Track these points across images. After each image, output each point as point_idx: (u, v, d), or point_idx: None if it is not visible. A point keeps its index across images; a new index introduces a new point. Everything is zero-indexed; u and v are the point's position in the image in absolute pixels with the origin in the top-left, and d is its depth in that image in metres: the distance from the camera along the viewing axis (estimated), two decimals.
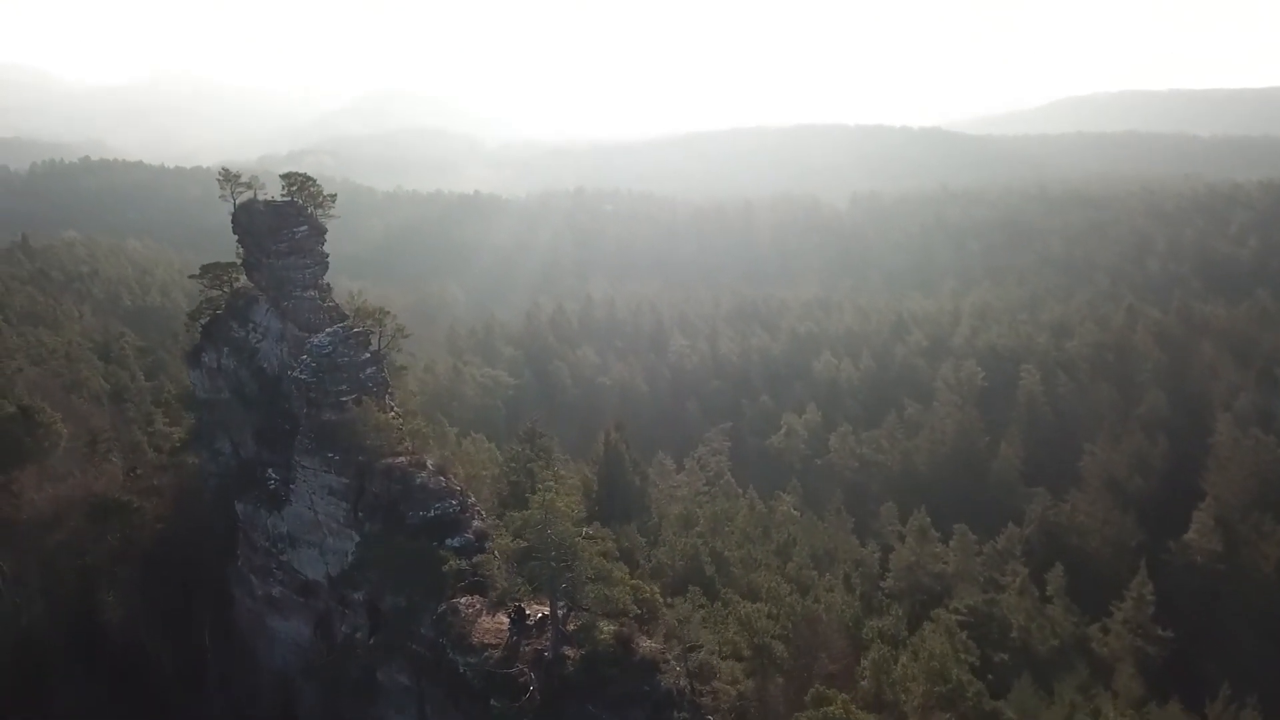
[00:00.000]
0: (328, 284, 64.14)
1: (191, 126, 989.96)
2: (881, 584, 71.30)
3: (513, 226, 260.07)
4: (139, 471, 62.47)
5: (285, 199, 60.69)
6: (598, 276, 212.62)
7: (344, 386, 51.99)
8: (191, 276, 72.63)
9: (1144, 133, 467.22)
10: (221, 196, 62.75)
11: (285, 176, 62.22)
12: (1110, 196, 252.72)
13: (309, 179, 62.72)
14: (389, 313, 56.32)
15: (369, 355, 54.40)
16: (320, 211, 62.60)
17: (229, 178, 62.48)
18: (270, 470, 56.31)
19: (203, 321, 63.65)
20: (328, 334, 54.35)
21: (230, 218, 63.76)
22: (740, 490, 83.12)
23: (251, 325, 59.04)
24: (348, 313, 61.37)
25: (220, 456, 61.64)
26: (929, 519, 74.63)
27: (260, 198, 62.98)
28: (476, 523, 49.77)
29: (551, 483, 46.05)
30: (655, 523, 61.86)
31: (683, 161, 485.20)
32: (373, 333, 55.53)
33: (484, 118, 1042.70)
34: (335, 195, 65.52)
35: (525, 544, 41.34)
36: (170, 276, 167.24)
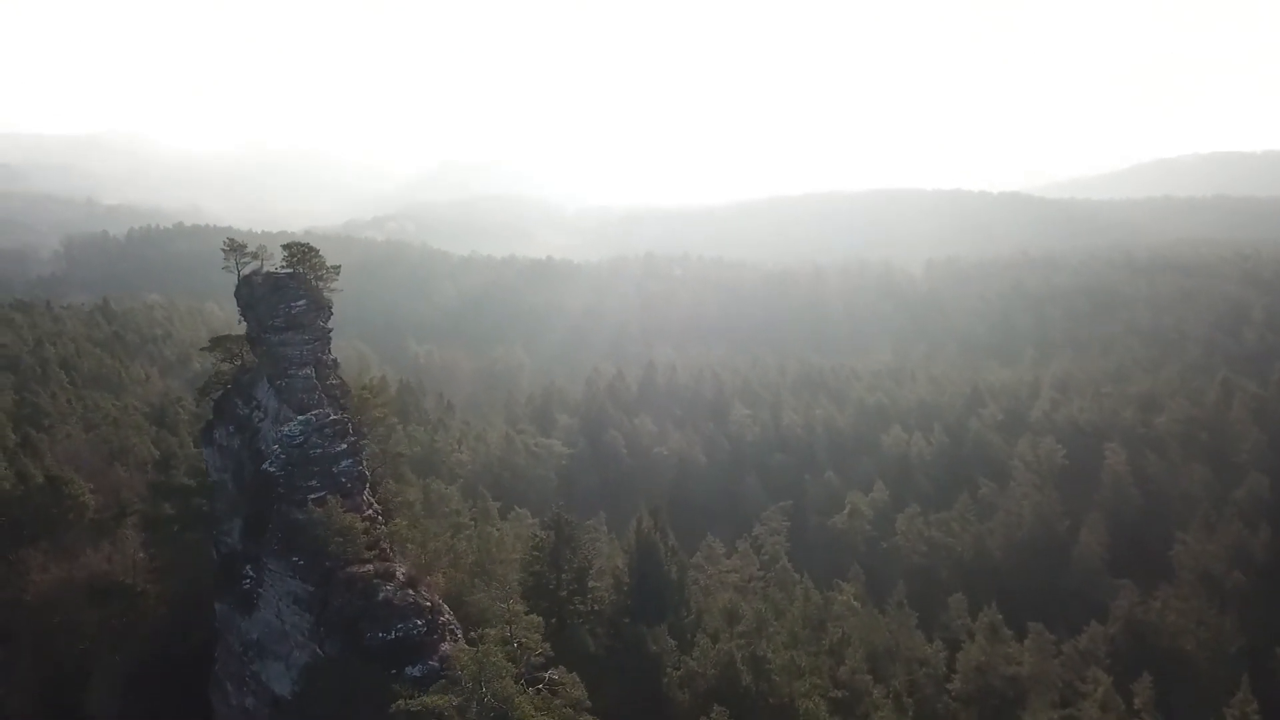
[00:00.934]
0: (334, 359, 60.89)
1: (283, 193, 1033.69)
2: (948, 686, 65.47)
3: (582, 292, 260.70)
4: (152, 551, 59.76)
5: (286, 270, 57.10)
6: (663, 342, 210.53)
7: (314, 482, 48.14)
8: (203, 349, 70.58)
9: (1236, 197, 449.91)
10: (225, 268, 58.99)
11: (287, 247, 58.28)
12: (1201, 263, 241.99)
13: (311, 249, 58.73)
14: (372, 396, 52.30)
15: (345, 446, 50.42)
16: (324, 285, 58.59)
17: (234, 247, 58.52)
18: (248, 568, 51.71)
19: (214, 396, 60.14)
20: (300, 421, 50.18)
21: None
22: (797, 576, 78.21)
23: (255, 403, 54.99)
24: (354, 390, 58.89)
25: (224, 544, 57.64)
26: (1001, 615, 68.72)
27: (266, 269, 58.92)
28: (446, 645, 44.19)
29: (505, 620, 40.39)
30: (693, 619, 57.19)
31: (756, 227, 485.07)
32: (353, 420, 51.09)
33: (562, 184, 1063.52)
34: (339, 267, 61.09)
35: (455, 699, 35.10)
36: None
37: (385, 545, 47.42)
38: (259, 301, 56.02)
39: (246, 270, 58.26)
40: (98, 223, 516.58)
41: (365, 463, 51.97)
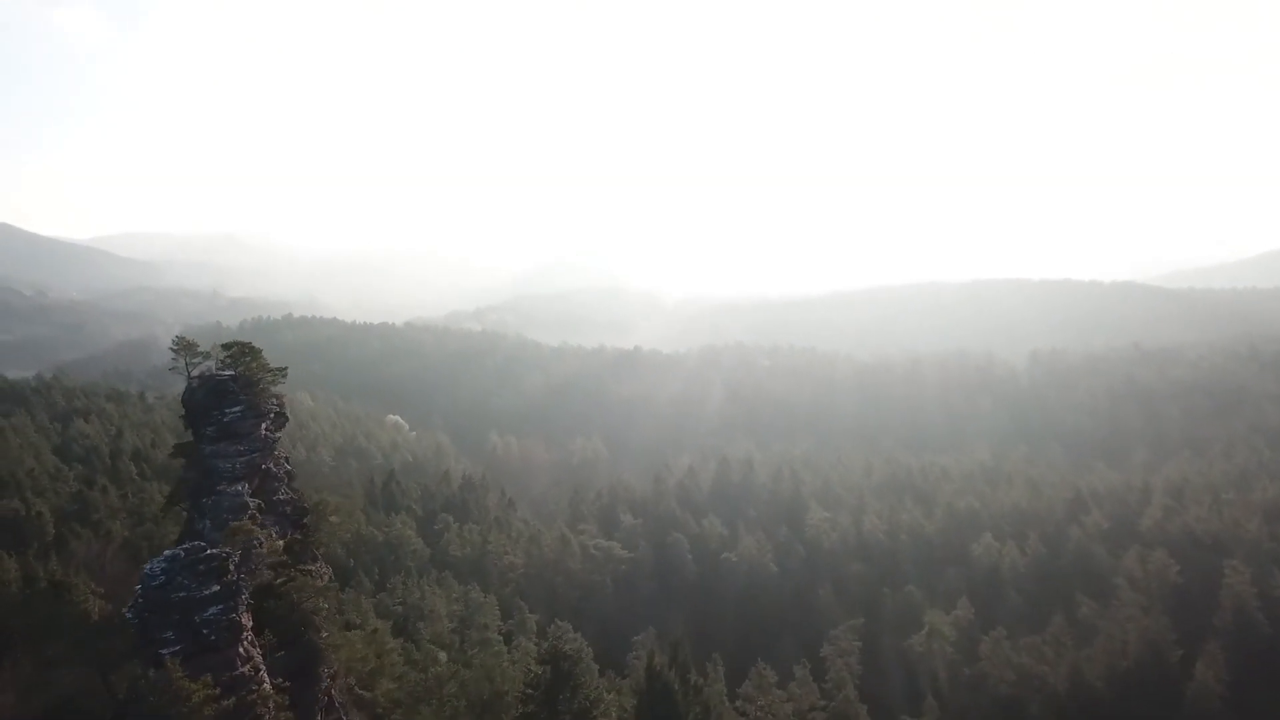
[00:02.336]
0: (287, 471, 53.75)
1: (397, 287, 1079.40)
2: None
3: (668, 382, 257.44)
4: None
5: (227, 373, 50.99)
6: (746, 436, 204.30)
7: (170, 634, 38.33)
8: (170, 456, 66.28)
9: None
10: (173, 369, 53.52)
11: (226, 346, 52.46)
12: None
13: (251, 348, 52.38)
14: (256, 530, 43.63)
15: (218, 589, 39.86)
16: (268, 388, 51.88)
17: (184, 346, 52.34)
18: None
19: (181, 508, 52.56)
20: (165, 558, 40.91)
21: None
22: (863, 707, 70.44)
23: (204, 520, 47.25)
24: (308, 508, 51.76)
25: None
26: None
27: (215, 370, 52.17)
28: None
29: None
30: None
31: (855, 317, 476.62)
32: (236, 554, 41.21)
33: (662, 275, 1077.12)
34: (286, 369, 54.27)
35: None
36: (322, 431, 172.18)
37: (266, 712, 38.69)
38: (195, 407, 50.70)
39: (196, 371, 52.60)
40: (220, 314, 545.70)
41: (245, 608, 41.39)
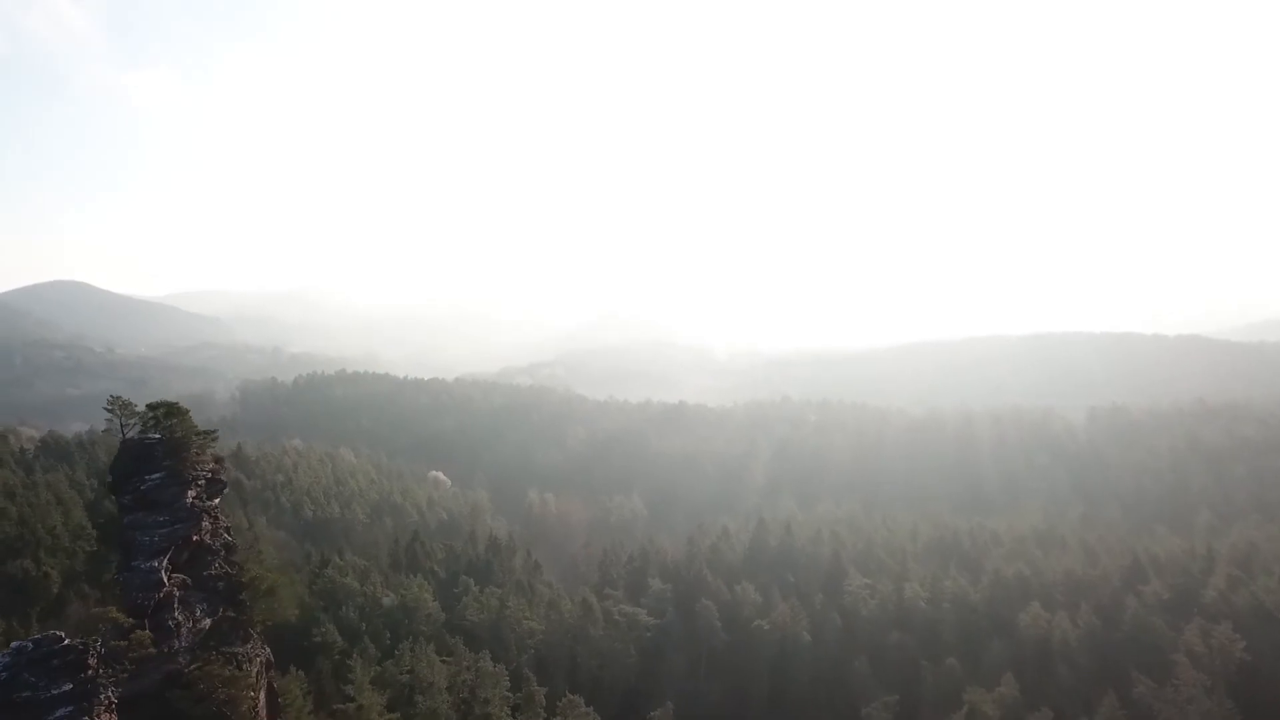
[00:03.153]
0: (224, 543, 49.30)
1: (453, 342, 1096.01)
2: None
3: (713, 439, 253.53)
4: None
5: (153, 437, 47.09)
6: (790, 494, 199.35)
7: None
8: (96, 525, 62.82)
9: None
10: (106, 430, 50.70)
11: (151, 406, 48.57)
12: None
13: (177, 408, 48.53)
14: (119, 616, 39.97)
15: (70, 688, 34.78)
16: (200, 453, 47.95)
17: (119, 405, 48.63)
18: None
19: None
20: (10, 651, 35.79)
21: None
22: None
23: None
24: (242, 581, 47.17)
25: None
26: None
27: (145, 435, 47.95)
28: None
29: None
30: None
31: (911, 371, 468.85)
32: (98, 645, 36.84)
33: (715, 328, 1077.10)
34: (215, 432, 51.01)
35: None
36: (359, 487, 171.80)
37: None
38: (118, 474, 46.56)
39: (132, 433, 48.74)
40: (280, 369, 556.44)
41: (108, 708, 36.38)
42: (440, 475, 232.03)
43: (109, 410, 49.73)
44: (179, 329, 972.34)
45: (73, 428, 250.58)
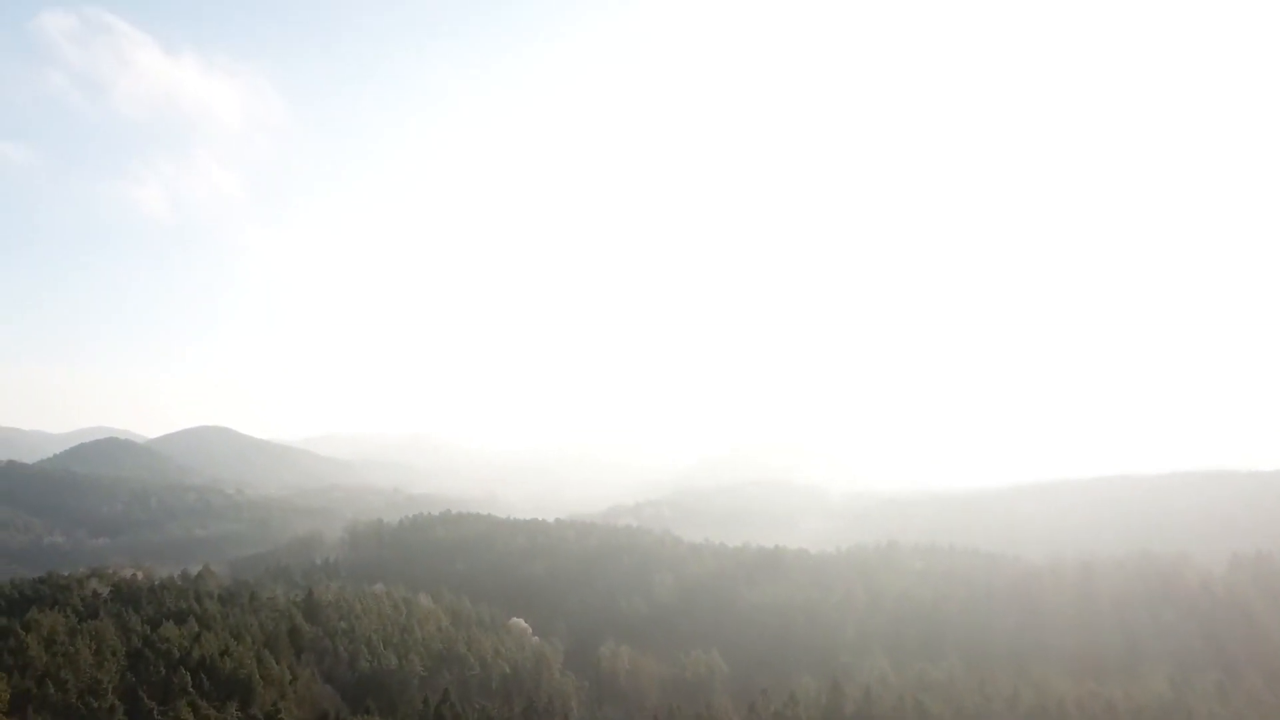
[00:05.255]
0: None
1: (575, 481, 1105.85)
2: None
3: (807, 586, 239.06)
4: None
5: None
6: (885, 650, 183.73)
7: None
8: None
9: None
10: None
11: None
12: None
13: None
14: None
15: None
16: None
17: None
18: None
19: None
20: None
21: None
22: None
23: None
24: None
25: None
26: None
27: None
28: None
29: None
30: None
31: (1034, 513, 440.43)
32: None
33: (838, 464, 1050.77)
34: None
35: None
36: (423, 636, 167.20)
37: None
38: None
39: None
40: (398, 510, 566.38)
41: None
42: (521, 622, 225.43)
43: None
44: (309, 471, 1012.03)
45: (190, 568, 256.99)
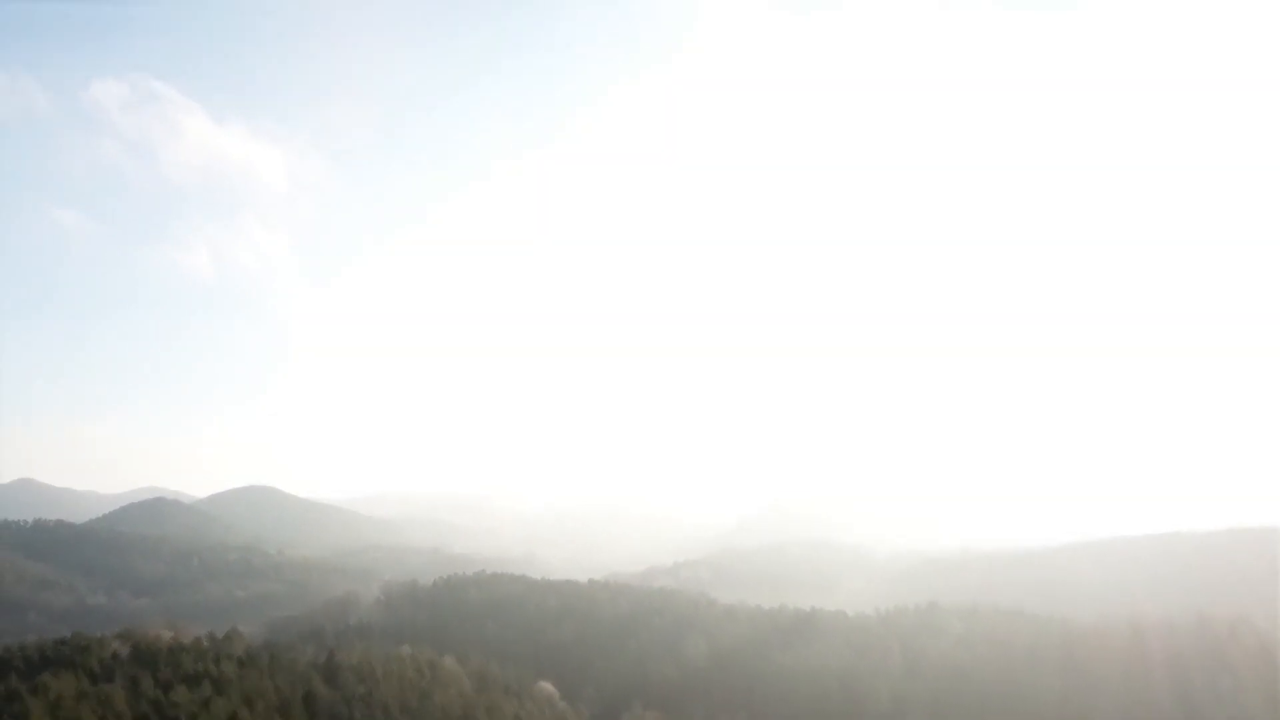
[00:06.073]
0: None
1: (614, 540, 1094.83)
2: None
3: (841, 651, 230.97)
4: None
5: None
6: (919, 718, 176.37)
7: None
8: None
9: None
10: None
11: None
12: None
13: None
14: None
15: None
16: None
17: None
18: None
19: None
20: None
21: None
22: None
23: None
24: None
25: None
26: None
27: None
28: None
29: None
30: None
31: (1084, 573, 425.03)
32: None
33: (883, 523, 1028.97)
34: None
35: None
36: (445, 701, 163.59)
37: None
38: None
39: None
40: (437, 570, 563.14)
41: None
42: (548, 686, 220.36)
43: None
44: (352, 531, 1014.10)
45: (219, 629, 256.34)
